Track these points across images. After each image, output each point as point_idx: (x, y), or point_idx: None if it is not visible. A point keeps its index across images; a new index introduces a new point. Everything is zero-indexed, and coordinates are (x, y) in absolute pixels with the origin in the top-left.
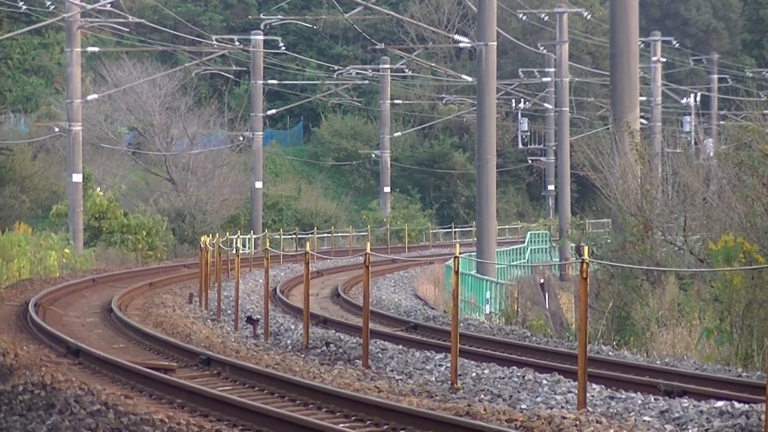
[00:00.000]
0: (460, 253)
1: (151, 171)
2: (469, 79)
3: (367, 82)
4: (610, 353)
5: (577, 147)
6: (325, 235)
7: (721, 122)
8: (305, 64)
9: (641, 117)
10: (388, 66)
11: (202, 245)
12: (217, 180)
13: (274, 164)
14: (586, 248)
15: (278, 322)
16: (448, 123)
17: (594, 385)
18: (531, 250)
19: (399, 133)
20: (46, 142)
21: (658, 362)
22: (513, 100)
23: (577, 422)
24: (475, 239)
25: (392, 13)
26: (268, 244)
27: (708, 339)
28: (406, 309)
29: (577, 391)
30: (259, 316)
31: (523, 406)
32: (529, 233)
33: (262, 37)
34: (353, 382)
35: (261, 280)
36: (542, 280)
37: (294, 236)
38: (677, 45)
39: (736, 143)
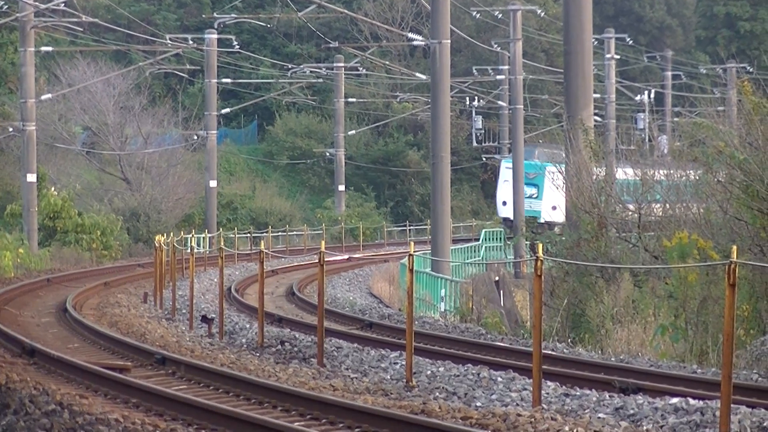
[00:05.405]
0: (414, 251)
1: (106, 170)
2: (423, 77)
3: (321, 80)
4: (565, 350)
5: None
6: (280, 233)
7: (676, 119)
8: (259, 63)
9: (595, 114)
10: (342, 64)
11: (156, 244)
12: (171, 179)
13: (229, 163)
14: (540, 245)
15: (233, 321)
16: (403, 121)
17: (549, 383)
18: (486, 247)
19: (353, 132)
20: (0, 142)
21: (613, 359)
22: (467, 98)
23: (532, 419)
24: (430, 237)
25: (346, 11)
26: (222, 243)
27: (663, 336)
28: (361, 307)
29: (532, 389)
30: (214, 315)
31: (478, 404)
32: (483, 231)
33: (215, 36)
34: (308, 380)
35: (216, 279)
36: (497, 278)
37: (249, 235)
38: (631, 42)
39: (691, 140)
